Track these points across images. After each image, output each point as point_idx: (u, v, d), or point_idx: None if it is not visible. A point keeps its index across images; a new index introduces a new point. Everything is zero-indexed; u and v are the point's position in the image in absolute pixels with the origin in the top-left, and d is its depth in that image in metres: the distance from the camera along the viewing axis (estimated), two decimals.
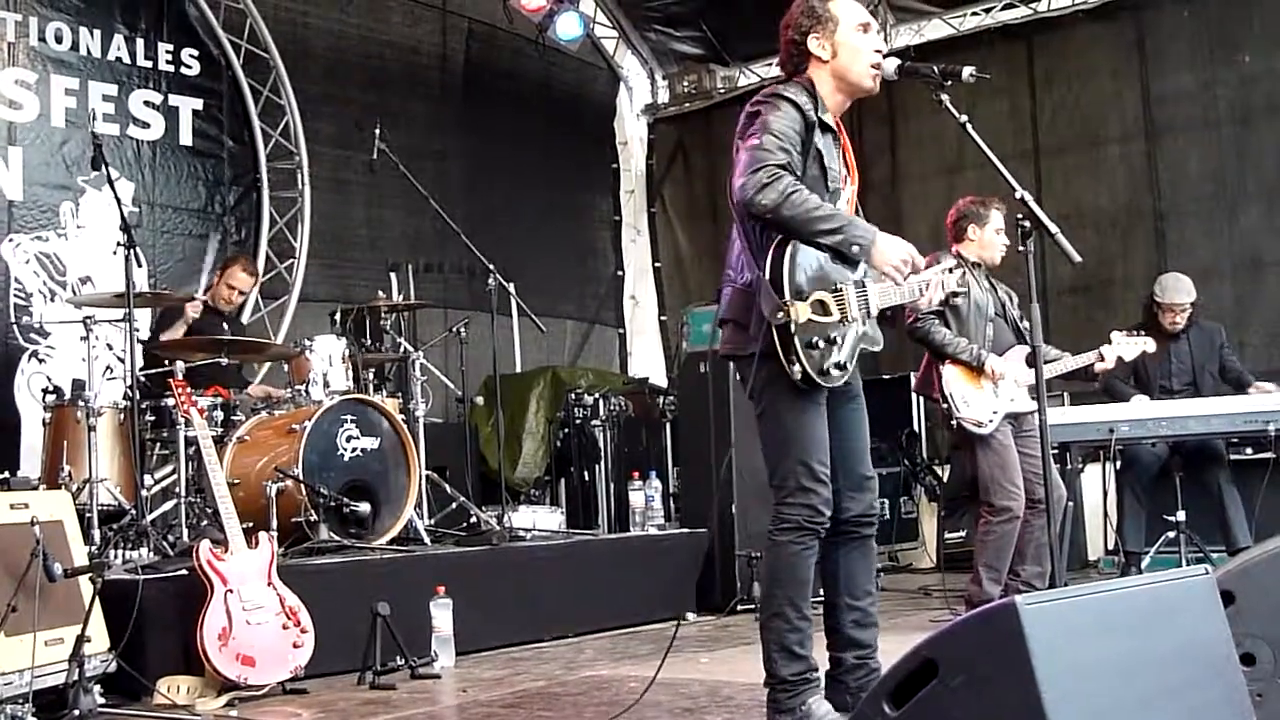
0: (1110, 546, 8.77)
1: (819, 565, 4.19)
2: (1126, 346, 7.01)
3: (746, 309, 4.10)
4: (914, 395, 9.89)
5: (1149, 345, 7.12)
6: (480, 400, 9.44)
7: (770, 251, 4.02)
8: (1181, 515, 7.87)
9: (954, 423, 6.48)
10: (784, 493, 4.09)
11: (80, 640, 4.75)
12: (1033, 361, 6.42)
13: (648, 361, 13.08)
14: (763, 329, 4.00)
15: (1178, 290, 8.21)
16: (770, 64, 12.08)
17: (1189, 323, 8.22)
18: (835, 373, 4.04)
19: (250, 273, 8.46)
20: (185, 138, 9.60)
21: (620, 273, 13.28)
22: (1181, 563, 7.62)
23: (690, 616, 7.45)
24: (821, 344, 4.00)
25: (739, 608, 7.48)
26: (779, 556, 4.10)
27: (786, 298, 3.95)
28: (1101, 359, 6.90)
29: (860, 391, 4.30)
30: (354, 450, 6.90)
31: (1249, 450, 8.28)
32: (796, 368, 3.96)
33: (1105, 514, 8.49)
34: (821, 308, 4.02)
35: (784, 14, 4.30)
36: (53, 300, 8.65)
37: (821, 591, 4.29)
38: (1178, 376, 8.23)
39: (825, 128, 4.12)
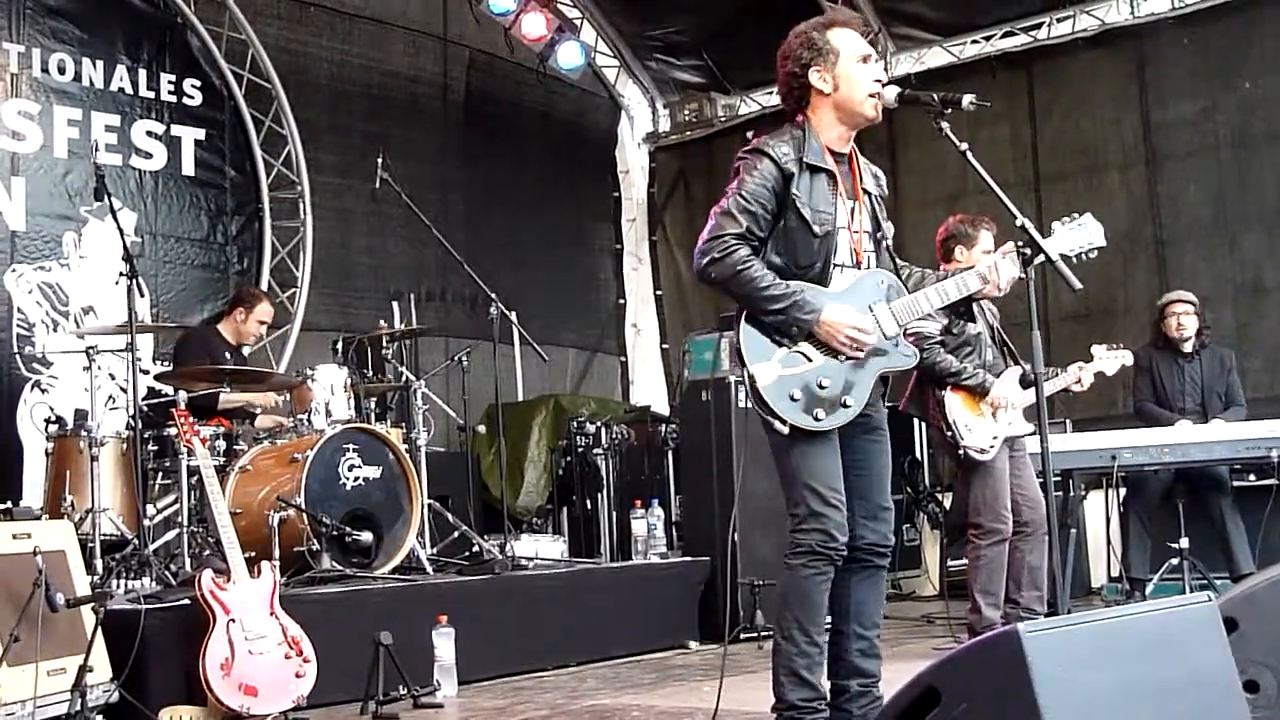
0: (1114, 573, 8.75)
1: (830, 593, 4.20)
2: (1108, 361, 7.03)
3: None
4: (916, 423, 9.87)
5: (1127, 358, 7.15)
6: (482, 429, 9.43)
7: (736, 315, 4.16)
8: (1185, 542, 7.87)
9: (962, 452, 6.46)
10: (797, 519, 4.12)
11: (83, 670, 4.74)
12: (1026, 383, 6.51)
13: (650, 390, 13.08)
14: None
15: (1173, 293, 8.31)
16: (771, 92, 12.13)
17: (1200, 342, 8.25)
18: (827, 415, 4.07)
19: (273, 304, 8.52)
20: (188, 168, 9.64)
21: (622, 301, 13.30)
22: (1185, 590, 7.61)
23: (693, 645, 7.43)
24: (801, 394, 4.05)
25: (741, 636, 7.46)
26: (791, 581, 4.12)
27: (747, 364, 4.07)
28: (1079, 382, 6.91)
29: (883, 424, 4.31)
30: (356, 479, 6.89)
31: (1252, 477, 8.27)
32: (778, 423, 4.05)
33: (1109, 541, 8.48)
34: (802, 358, 4.08)
35: (784, 42, 4.31)
36: (55, 330, 8.66)
37: (829, 619, 4.28)
38: (1190, 397, 8.25)
39: (814, 169, 4.13)
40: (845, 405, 4.09)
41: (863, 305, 4.17)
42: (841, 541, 4.08)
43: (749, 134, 4.27)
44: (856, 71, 4.17)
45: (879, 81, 4.19)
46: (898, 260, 4.39)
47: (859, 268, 4.24)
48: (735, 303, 4.16)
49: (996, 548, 6.38)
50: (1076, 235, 4.23)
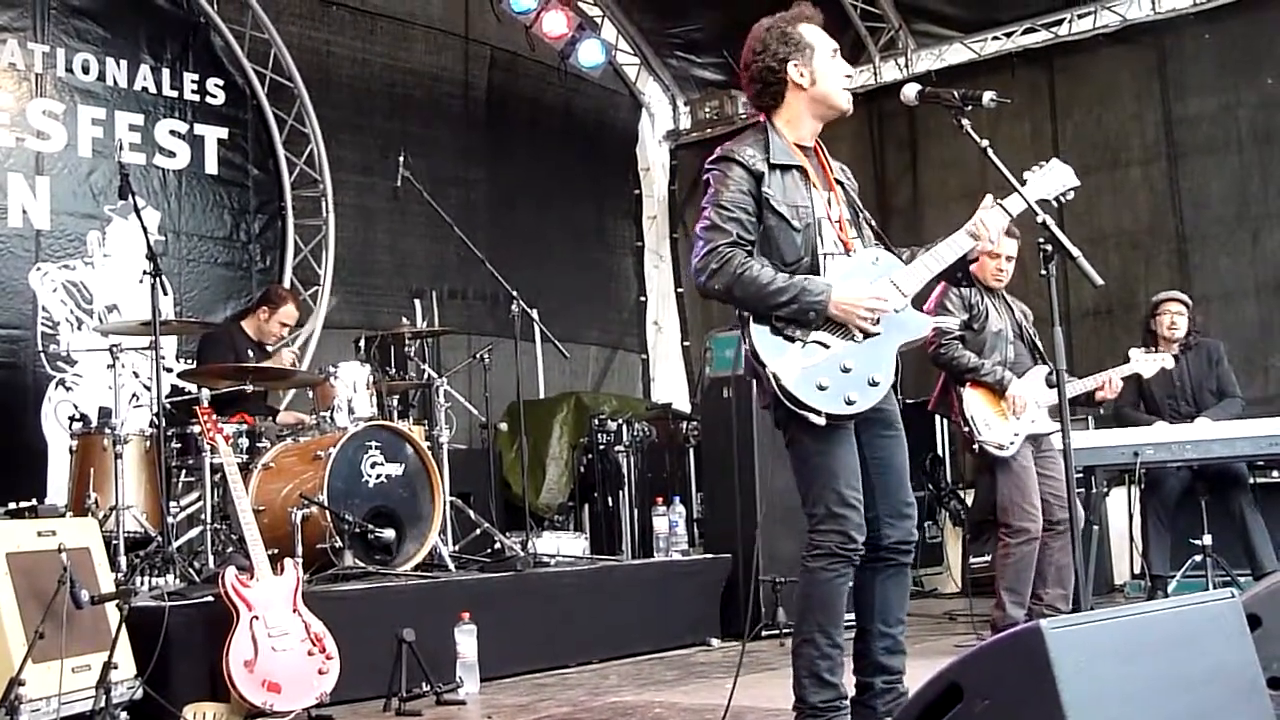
0: (1136, 570, 8.72)
1: (854, 591, 4.20)
2: (1145, 364, 7.00)
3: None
4: (938, 420, 9.86)
5: (1168, 361, 7.11)
6: (504, 426, 9.45)
7: (741, 323, 4.14)
8: (1207, 539, 7.81)
9: (976, 446, 6.47)
10: (815, 519, 4.09)
11: (107, 667, 4.77)
12: (1052, 382, 6.49)
13: (671, 387, 13.09)
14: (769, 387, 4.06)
15: (1165, 292, 8.22)
16: None
17: (1187, 342, 8.11)
18: (860, 398, 4.03)
19: (299, 305, 8.56)
20: (210, 166, 9.68)
21: (643, 298, 13.30)
22: (1208, 586, 7.57)
23: (714, 642, 7.44)
24: (829, 380, 4.02)
25: (763, 633, 7.46)
26: (811, 583, 4.11)
27: (767, 366, 4.02)
28: (1110, 383, 6.85)
29: (898, 420, 4.28)
30: (378, 476, 6.91)
31: (1274, 474, 8.23)
32: (813, 416, 4.00)
33: (1131, 538, 8.45)
34: (820, 347, 4.04)
35: (752, 39, 4.31)
36: (80, 329, 8.71)
37: (853, 617, 4.27)
38: (1182, 398, 8.13)
39: (783, 169, 4.16)
40: (874, 384, 4.07)
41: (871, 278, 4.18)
42: (860, 542, 4.06)
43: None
44: (830, 66, 4.24)
45: (849, 76, 4.30)
46: (886, 240, 4.39)
47: (848, 255, 4.23)
48: (742, 310, 4.12)
49: (1026, 546, 6.36)
50: (1050, 179, 4.31)
